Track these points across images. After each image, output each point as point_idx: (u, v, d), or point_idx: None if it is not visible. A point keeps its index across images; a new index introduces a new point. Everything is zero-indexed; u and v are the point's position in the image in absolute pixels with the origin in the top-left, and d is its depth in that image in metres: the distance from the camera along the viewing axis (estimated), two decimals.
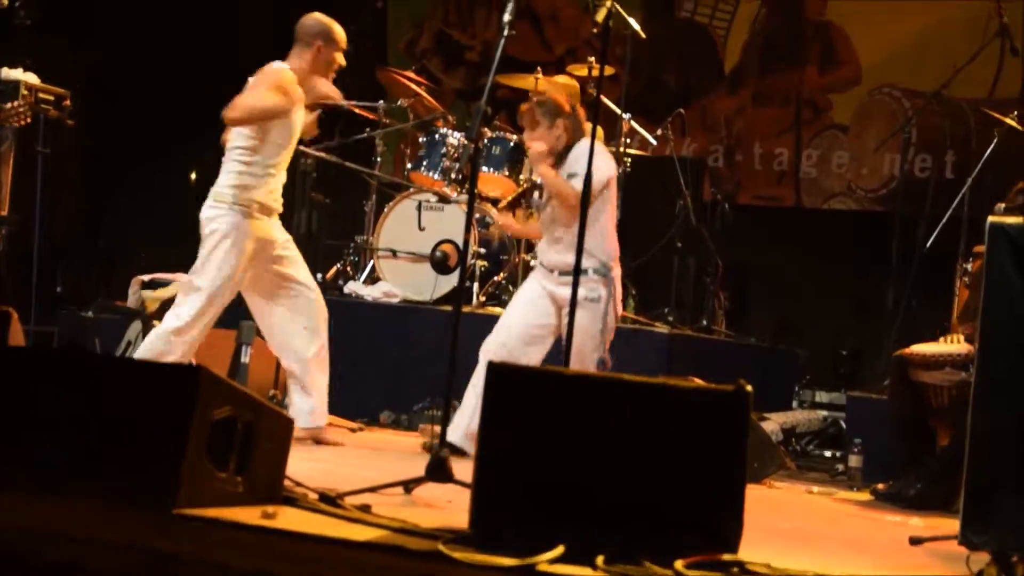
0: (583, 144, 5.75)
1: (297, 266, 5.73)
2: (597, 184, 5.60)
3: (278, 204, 5.70)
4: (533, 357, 5.78)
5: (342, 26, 5.72)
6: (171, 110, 9.33)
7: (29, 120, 6.77)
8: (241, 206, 5.53)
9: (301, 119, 5.69)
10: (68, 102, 7.30)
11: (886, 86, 9.17)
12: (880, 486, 5.85)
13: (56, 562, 3.07)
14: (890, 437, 6.06)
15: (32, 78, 7.17)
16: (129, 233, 9.98)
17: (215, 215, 5.53)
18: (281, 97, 5.49)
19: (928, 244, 6.85)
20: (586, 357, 5.58)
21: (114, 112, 9.68)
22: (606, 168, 5.74)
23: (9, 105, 6.06)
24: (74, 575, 3.05)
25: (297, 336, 5.71)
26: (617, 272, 5.79)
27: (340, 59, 5.73)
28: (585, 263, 5.27)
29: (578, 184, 5.60)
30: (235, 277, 5.55)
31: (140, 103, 9.76)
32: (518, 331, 5.81)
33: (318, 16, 5.75)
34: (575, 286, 4.78)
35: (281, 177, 5.68)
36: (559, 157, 5.83)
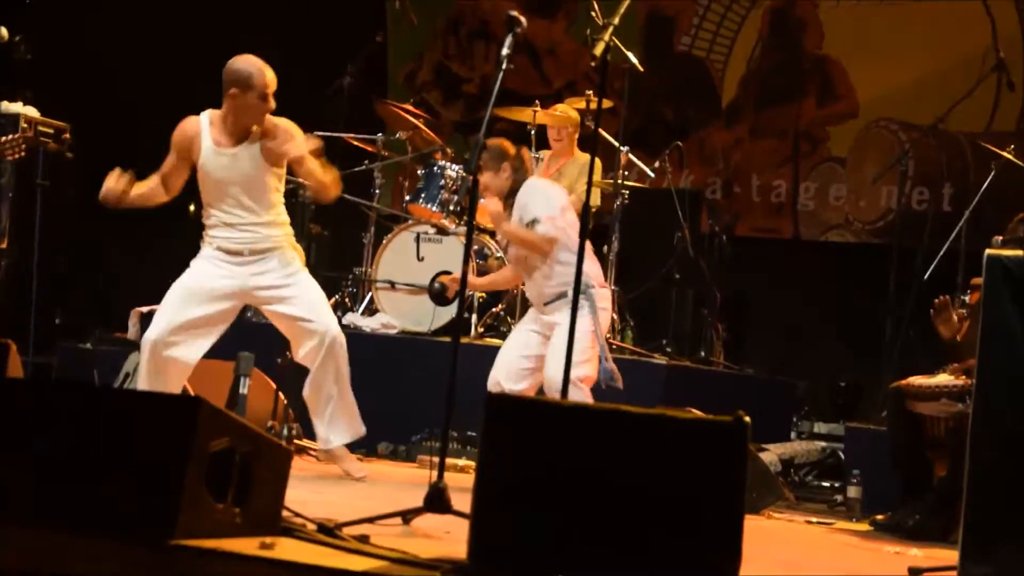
0: (527, 184, 5.94)
1: (286, 304, 5.71)
2: (552, 221, 5.79)
3: (242, 246, 5.66)
4: (526, 390, 5.88)
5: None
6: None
7: (23, 153, 6.77)
8: (204, 244, 5.75)
9: (219, 165, 5.61)
10: (68, 135, 7.31)
11: (883, 119, 9.19)
12: (879, 517, 5.86)
13: None
14: (888, 468, 6.06)
15: (32, 111, 7.18)
16: (128, 264, 9.98)
17: None
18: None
19: (926, 276, 6.86)
20: (577, 360, 5.57)
21: (113, 144, 9.68)
22: (556, 198, 5.93)
23: (4, 138, 6.08)
24: None
25: (304, 363, 5.81)
26: (599, 291, 5.82)
27: (263, 104, 5.50)
28: (564, 290, 5.66)
29: (541, 229, 5.72)
30: (184, 294, 5.62)
31: (140, 134, 9.77)
32: (507, 367, 5.93)
33: (239, 62, 5.53)
34: (575, 301, 4.78)
35: (232, 220, 5.65)
36: (507, 197, 5.95)
